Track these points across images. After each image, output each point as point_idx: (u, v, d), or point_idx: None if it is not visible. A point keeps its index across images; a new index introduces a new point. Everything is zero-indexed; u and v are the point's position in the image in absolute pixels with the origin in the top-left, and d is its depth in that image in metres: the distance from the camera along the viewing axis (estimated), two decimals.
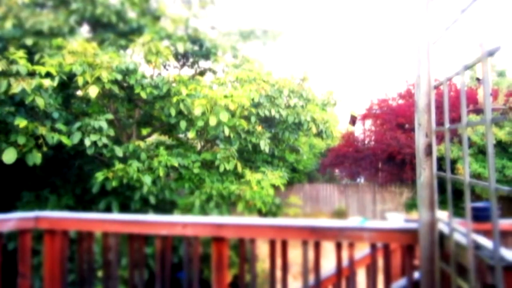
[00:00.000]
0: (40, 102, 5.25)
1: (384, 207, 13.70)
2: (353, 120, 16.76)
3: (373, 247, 2.30)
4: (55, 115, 5.75)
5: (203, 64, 8.82)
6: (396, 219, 3.07)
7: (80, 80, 5.74)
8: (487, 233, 1.39)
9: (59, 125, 5.63)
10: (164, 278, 2.37)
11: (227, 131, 6.36)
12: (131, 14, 7.89)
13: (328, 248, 2.37)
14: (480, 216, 2.02)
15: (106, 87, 5.89)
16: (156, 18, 8.11)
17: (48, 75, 5.57)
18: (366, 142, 15.37)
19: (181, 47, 7.16)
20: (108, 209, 6.09)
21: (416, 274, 2.07)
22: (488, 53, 1.23)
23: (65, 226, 2.57)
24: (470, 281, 1.39)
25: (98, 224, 2.55)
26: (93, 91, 5.68)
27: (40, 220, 2.50)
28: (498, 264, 1.21)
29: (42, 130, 5.28)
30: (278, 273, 2.22)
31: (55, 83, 5.59)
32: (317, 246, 2.20)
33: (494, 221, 1.22)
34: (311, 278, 2.23)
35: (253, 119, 7.18)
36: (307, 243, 2.19)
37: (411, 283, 2.15)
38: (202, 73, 8.96)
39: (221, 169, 6.53)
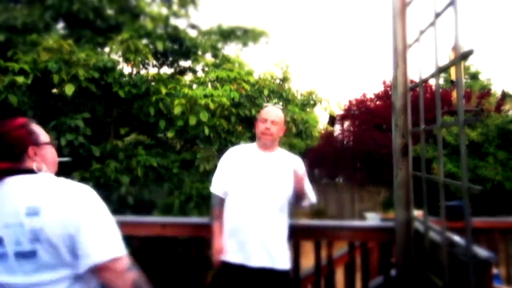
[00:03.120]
0: (13, 100, 5.10)
1: (362, 207, 13.90)
2: (332, 121, 16.94)
3: (351, 245, 2.33)
4: (29, 113, 5.58)
5: (183, 63, 8.74)
6: (375, 219, 3.13)
7: (55, 78, 5.59)
8: (460, 231, 1.43)
9: None
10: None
11: (207, 131, 6.32)
12: (109, 11, 7.74)
13: (307, 248, 2.39)
14: (454, 214, 2.07)
15: (83, 85, 5.77)
16: (135, 15, 7.99)
17: (22, 72, 5.41)
18: (344, 142, 15.56)
19: (160, 46, 7.08)
20: None
21: (393, 272, 2.11)
22: (461, 56, 1.27)
23: None
24: (444, 277, 1.43)
25: None
26: (69, 89, 5.55)
27: None
28: (471, 261, 1.25)
29: None
30: None
31: (29, 81, 5.43)
32: (296, 246, 2.22)
33: (467, 219, 1.26)
34: None
35: (233, 119, 7.16)
36: None
37: (388, 280, 2.19)
38: (182, 72, 8.86)
39: (201, 169, 6.48)
